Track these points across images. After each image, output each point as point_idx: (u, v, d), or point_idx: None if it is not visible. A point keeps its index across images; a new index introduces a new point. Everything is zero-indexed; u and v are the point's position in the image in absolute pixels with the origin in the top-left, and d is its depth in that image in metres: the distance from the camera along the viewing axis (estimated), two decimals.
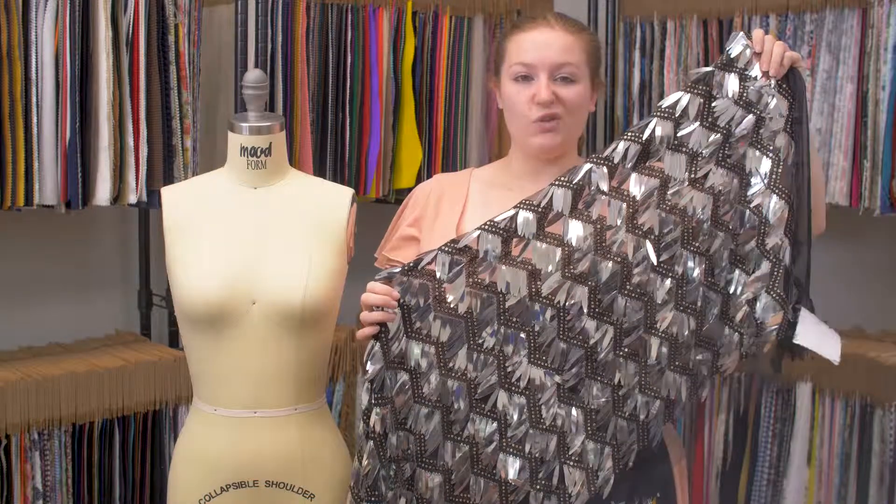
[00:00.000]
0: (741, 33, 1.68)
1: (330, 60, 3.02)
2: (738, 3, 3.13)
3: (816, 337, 1.68)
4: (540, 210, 1.65)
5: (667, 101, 1.68)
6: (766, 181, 1.65)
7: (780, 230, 1.65)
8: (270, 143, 2.00)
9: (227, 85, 2.97)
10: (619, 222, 1.65)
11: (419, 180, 3.20)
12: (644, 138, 1.66)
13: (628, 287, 1.66)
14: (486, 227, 1.66)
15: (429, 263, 1.67)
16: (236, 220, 1.99)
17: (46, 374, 2.57)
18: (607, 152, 1.67)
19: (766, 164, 1.65)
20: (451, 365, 1.68)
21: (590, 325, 1.66)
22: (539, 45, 1.80)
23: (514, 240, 1.66)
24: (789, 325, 1.66)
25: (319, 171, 2.98)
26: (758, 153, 1.66)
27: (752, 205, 1.66)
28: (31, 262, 2.94)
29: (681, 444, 1.92)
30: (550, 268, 1.65)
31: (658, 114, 1.67)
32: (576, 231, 1.65)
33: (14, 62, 2.49)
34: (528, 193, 1.71)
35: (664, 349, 1.68)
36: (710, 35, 3.20)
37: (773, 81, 1.65)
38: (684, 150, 1.66)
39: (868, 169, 2.88)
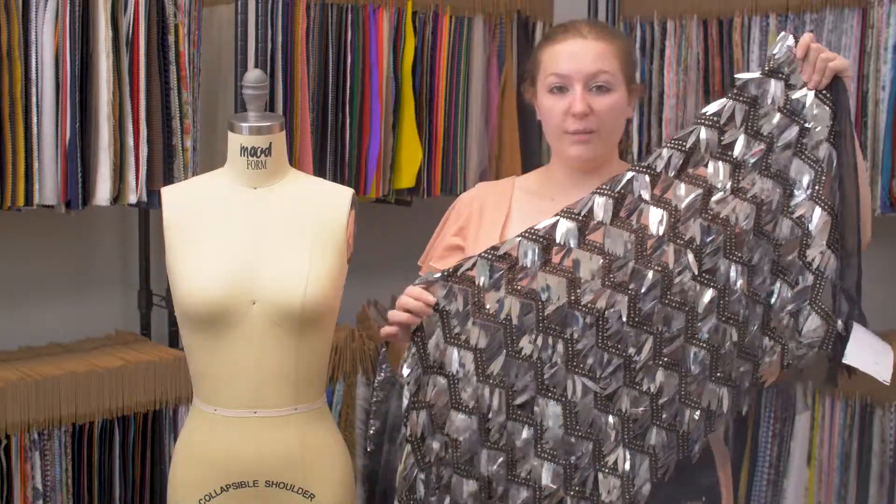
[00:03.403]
0: (789, 36, 1.66)
1: (330, 60, 3.02)
2: (738, 3, 3.12)
3: (868, 355, 1.66)
4: (581, 218, 1.65)
5: (712, 108, 1.66)
6: (808, 192, 1.64)
7: (822, 242, 1.64)
8: (270, 143, 2.00)
9: (227, 85, 2.97)
10: (660, 231, 1.64)
11: (419, 180, 3.20)
12: (688, 146, 1.65)
13: (669, 296, 1.65)
14: (527, 234, 1.65)
15: (469, 269, 1.67)
16: (236, 220, 1.99)
17: (46, 374, 2.57)
18: (650, 160, 1.65)
19: (808, 175, 1.64)
20: (489, 371, 1.67)
21: (629, 333, 1.65)
22: (572, 55, 1.79)
23: (555, 248, 1.65)
24: (839, 340, 1.65)
25: (319, 171, 2.98)
26: (801, 163, 1.65)
27: (794, 215, 1.65)
28: (31, 262, 2.94)
29: (726, 451, 1.91)
30: (590, 276, 1.64)
31: (702, 121, 1.66)
32: (617, 240, 1.64)
33: (14, 62, 2.49)
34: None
35: (706, 359, 1.67)
36: (710, 35, 3.20)
37: (815, 91, 1.64)
38: (728, 158, 1.65)
39: (868, 169, 2.88)
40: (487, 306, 1.66)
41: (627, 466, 1.68)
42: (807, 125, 1.64)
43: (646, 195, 1.64)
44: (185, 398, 2.69)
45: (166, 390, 2.71)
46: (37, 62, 2.53)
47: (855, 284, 1.67)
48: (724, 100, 1.67)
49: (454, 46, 3.24)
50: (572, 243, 1.64)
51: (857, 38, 2.92)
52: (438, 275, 1.68)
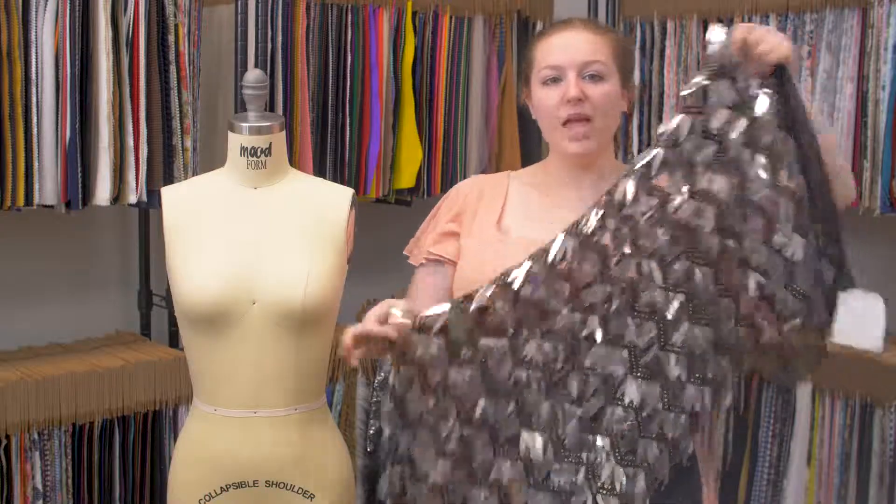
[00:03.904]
0: (721, 33, 1.64)
1: (330, 60, 3.02)
2: (738, 3, 3.13)
3: (858, 327, 1.64)
4: (546, 261, 1.64)
5: (669, 127, 1.65)
6: (767, 181, 1.64)
7: (788, 227, 1.64)
8: (270, 143, 2.00)
9: (227, 85, 2.97)
10: (624, 249, 1.64)
11: (419, 180, 3.20)
12: (653, 173, 1.65)
13: (637, 309, 1.65)
14: (500, 279, 1.65)
15: (440, 320, 1.65)
16: (236, 219, 1.99)
17: (46, 374, 2.57)
18: (617, 197, 1.65)
19: (764, 165, 1.65)
20: (474, 416, 1.66)
21: (604, 352, 1.65)
22: (565, 46, 1.80)
23: (526, 286, 1.64)
24: (826, 314, 1.63)
25: (319, 171, 2.98)
26: (756, 154, 1.65)
27: (756, 205, 1.66)
28: (31, 262, 2.94)
29: (714, 462, 1.91)
30: (560, 304, 1.64)
31: (660, 143, 1.66)
32: (584, 263, 1.63)
33: (14, 62, 2.49)
34: (565, 201, 1.74)
35: (682, 364, 1.67)
36: None
37: (758, 82, 1.64)
38: (681, 163, 1.65)
39: (868, 169, 2.88)
40: (462, 354, 1.65)
41: (624, 483, 1.68)
42: (756, 115, 1.64)
43: (611, 224, 1.64)
44: (185, 398, 2.69)
45: (166, 390, 2.71)
46: (37, 62, 2.53)
47: (839, 253, 1.65)
48: (678, 116, 1.66)
49: (454, 46, 3.24)
50: (539, 280, 1.64)
51: (857, 38, 2.92)
52: (408, 321, 1.67)
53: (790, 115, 1.63)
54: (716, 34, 1.64)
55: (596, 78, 1.78)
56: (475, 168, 3.29)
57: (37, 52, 2.53)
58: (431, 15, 3.19)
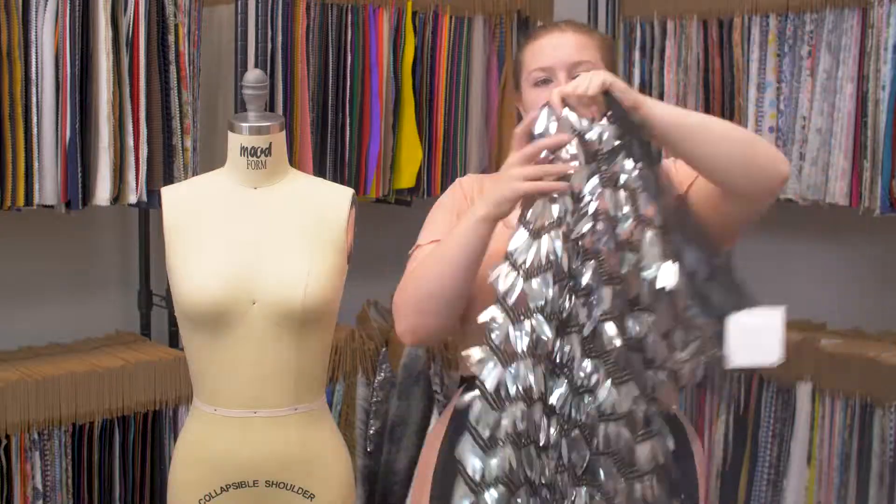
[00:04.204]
0: (542, 111, 1.60)
1: (330, 60, 3.02)
2: (738, 3, 3.13)
3: (750, 346, 1.55)
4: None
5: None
6: (628, 214, 1.55)
7: (655, 258, 1.56)
8: (270, 143, 2.00)
9: (227, 85, 2.97)
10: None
11: (419, 180, 3.20)
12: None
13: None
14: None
15: None
16: (236, 220, 1.99)
17: (46, 374, 2.57)
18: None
19: (621, 199, 1.55)
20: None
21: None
22: (554, 48, 1.82)
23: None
24: (717, 343, 1.51)
25: (319, 171, 2.98)
26: (611, 192, 1.55)
27: (627, 243, 1.56)
28: (31, 262, 2.94)
29: (700, 443, 1.91)
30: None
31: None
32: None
33: (14, 62, 2.49)
34: None
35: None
36: (710, 35, 3.20)
37: (592, 120, 1.57)
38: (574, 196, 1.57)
39: (868, 169, 2.88)
40: None
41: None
42: (602, 153, 1.58)
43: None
44: (185, 398, 2.69)
45: (166, 390, 2.71)
46: (37, 62, 2.53)
47: (721, 273, 1.59)
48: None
49: (454, 46, 3.24)
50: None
51: (857, 38, 2.92)
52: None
53: (629, 138, 1.58)
54: (539, 121, 1.60)
55: None
56: (475, 168, 3.29)
57: (37, 52, 2.53)
58: (431, 15, 3.19)
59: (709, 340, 1.53)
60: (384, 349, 3.02)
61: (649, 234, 1.55)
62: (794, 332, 3.13)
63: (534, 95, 1.82)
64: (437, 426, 1.90)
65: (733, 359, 1.48)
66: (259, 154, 2.00)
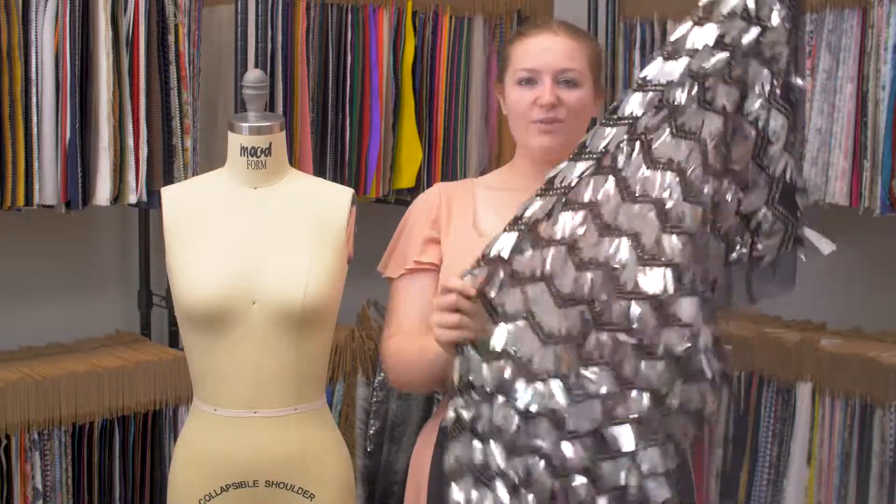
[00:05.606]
0: None
1: (330, 60, 3.02)
2: None
3: (816, 238, 1.70)
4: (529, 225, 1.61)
5: (683, 37, 1.60)
6: (765, 94, 1.62)
7: (778, 145, 1.62)
8: (270, 143, 2.01)
9: (227, 85, 2.97)
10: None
11: (419, 180, 3.20)
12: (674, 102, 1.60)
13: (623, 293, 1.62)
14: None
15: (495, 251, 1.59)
16: (236, 220, 1.99)
17: (46, 374, 2.57)
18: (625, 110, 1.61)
19: (765, 77, 1.62)
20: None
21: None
22: (543, 49, 1.82)
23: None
24: (797, 242, 1.66)
25: (319, 171, 2.98)
26: (758, 65, 1.62)
27: (750, 118, 1.63)
28: (31, 262, 2.94)
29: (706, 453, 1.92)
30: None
31: (662, 54, 1.61)
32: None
33: (14, 62, 2.49)
34: None
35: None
36: None
37: None
38: (693, 74, 1.59)
39: (868, 169, 2.88)
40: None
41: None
42: (767, 25, 1.62)
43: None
44: (185, 398, 2.69)
45: (166, 390, 2.71)
46: (37, 62, 2.53)
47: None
48: (689, 24, 1.60)
49: (454, 46, 3.24)
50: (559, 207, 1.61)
51: (857, 38, 2.91)
52: (473, 271, 1.60)
53: (793, 34, 1.61)
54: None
55: (571, 84, 1.82)
56: (475, 168, 3.29)
57: (37, 52, 2.53)
58: (431, 15, 3.19)
59: (789, 236, 1.65)
60: None
61: (780, 119, 1.61)
62: (794, 332, 3.13)
63: (517, 94, 1.84)
64: (429, 427, 1.90)
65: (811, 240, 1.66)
66: (259, 154, 2.00)
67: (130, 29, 2.64)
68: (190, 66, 2.74)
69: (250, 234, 1.97)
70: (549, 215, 1.60)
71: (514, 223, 1.59)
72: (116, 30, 2.62)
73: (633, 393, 1.59)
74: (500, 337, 1.58)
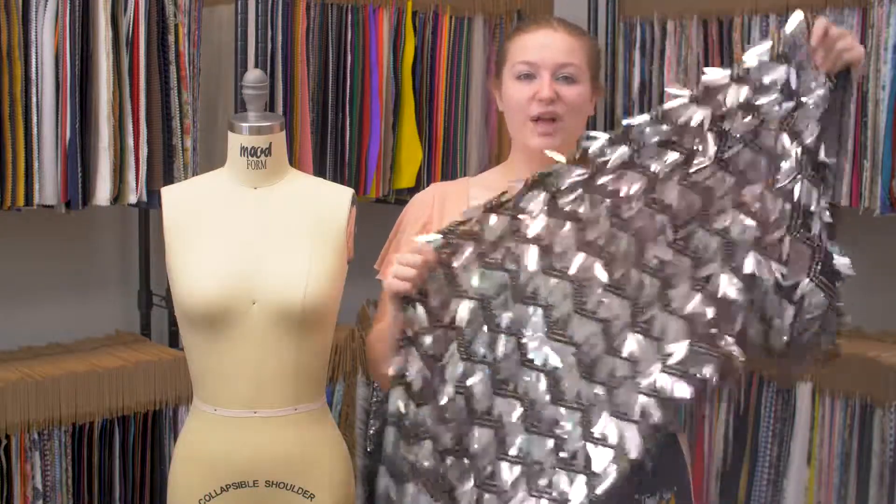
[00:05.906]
0: (800, 17, 1.65)
1: (330, 60, 3.02)
2: (738, 3, 3.12)
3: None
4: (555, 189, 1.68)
5: (713, 77, 1.64)
6: (797, 168, 1.62)
7: (815, 219, 1.62)
8: (270, 143, 2.00)
9: (227, 85, 2.97)
10: (636, 198, 1.65)
11: (419, 180, 3.20)
12: (682, 121, 1.63)
13: (644, 262, 1.65)
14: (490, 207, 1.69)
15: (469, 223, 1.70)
16: (236, 220, 1.99)
17: (46, 374, 2.57)
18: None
19: (795, 150, 1.62)
20: (472, 349, 1.70)
21: (605, 298, 1.65)
22: (542, 45, 1.83)
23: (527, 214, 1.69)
24: (833, 312, 1.64)
25: (319, 171, 2.98)
26: (787, 139, 1.62)
27: (781, 189, 1.63)
28: (31, 262, 2.94)
29: (685, 437, 1.93)
30: (566, 241, 1.67)
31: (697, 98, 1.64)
32: (595, 199, 1.66)
33: (14, 62, 2.49)
34: None
35: (682, 328, 1.65)
36: (710, 35, 3.20)
37: (822, 73, 1.62)
38: (718, 129, 1.62)
39: (868, 169, 2.88)
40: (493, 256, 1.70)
41: (616, 438, 1.65)
42: (803, 100, 1.63)
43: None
44: (185, 398, 2.69)
45: (166, 390, 2.71)
46: (37, 62, 2.53)
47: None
48: (726, 77, 1.63)
49: (454, 46, 3.24)
50: (544, 209, 1.67)
51: (857, 38, 2.91)
52: (438, 235, 1.71)
53: (830, 116, 1.62)
54: (795, 17, 1.65)
55: (569, 80, 1.82)
56: (475, 168, 3.29)
57: (37, 52, 2.53)
58: (431, 15, 3.19)
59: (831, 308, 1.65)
60: None
61: (812, 191, 1.62)
62: None
63: (515, 88, 1.84)
64: None
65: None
66: (259, 154, 2.00)
67: (130, 29, 2.64)
68: (190, 66, 2.74)
69: (250, 234, 1.97)
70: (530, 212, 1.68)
71: (495, 207, 1.69)
72: (116, 30, 2.62)
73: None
74: (464, 310, 1.69)
